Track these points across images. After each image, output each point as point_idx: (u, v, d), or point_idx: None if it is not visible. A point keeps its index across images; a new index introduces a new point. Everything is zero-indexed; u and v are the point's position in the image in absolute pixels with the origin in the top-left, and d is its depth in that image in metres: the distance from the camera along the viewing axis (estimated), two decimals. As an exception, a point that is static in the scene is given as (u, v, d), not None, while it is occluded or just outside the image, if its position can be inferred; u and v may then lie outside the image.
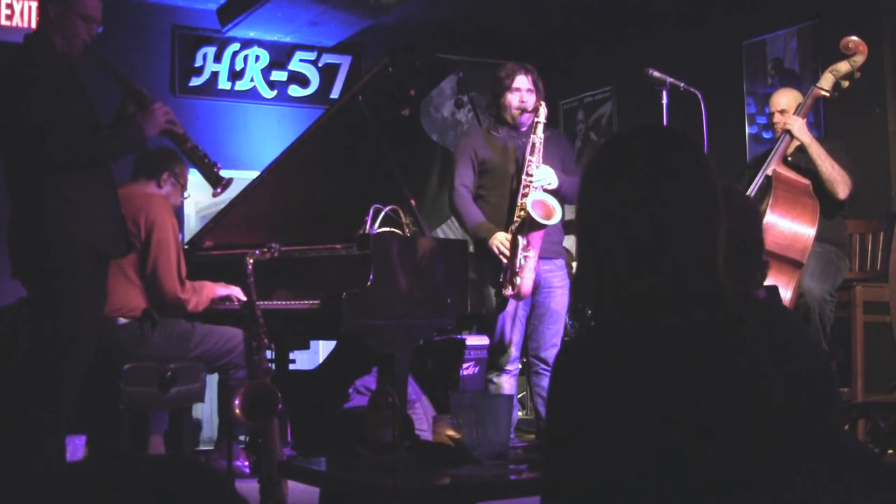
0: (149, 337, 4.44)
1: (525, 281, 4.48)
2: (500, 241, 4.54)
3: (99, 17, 3.76)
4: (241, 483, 4.23)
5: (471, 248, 4.88)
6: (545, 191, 4.55)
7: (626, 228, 1.60)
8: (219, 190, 4.04)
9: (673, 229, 1.58)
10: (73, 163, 3.59)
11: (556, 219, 4.49)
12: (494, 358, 4.74)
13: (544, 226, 4.45)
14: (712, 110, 4.53)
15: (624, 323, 1.59)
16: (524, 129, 4.74)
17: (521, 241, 4.46)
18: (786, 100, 4.99)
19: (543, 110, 4.64)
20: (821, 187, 4.75)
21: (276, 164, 5.08)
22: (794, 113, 4.82)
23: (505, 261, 4.51)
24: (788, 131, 4.75)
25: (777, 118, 4.97)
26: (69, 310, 3.60)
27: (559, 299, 4.71)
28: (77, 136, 3.57)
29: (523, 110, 4.70)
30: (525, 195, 4.52)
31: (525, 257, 4.47)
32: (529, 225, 4.45)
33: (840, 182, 4.71)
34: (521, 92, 4.71)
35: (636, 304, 1.58)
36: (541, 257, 4.55)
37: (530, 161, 4.56)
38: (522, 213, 4.49)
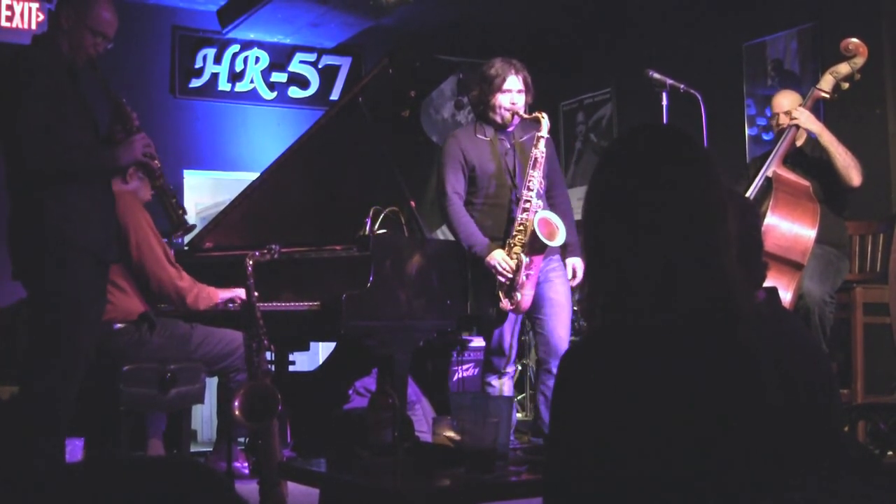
0: (147, 340, 4.43)
1: (525, 298, 4.37)
2: (499, 260, 4.39)
3: (111, 34, 3.74)
4: (240, 484, 4.23)
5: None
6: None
7: (631, 228, 1.60)
8: (180, 233, 4.00)
9: (678, 228, 1.58)
10: (47, 175, 3.57)
11: (559, 239, 4.34)
12: (491, 361, 4.62)
13: (547, 246, 4.33)
14: (712, 112, 4.52)
15: (628, 322, 1.59)
16: (511, 129, 4.57)
17: (525, 259, 4.35)
18: (788, 101, 4.99)
19: (546, 123, 4.45)
20: (823, 187, 4.75)
21: (276, 165, 5.08)
22: None
23: (503, 279, 4.39)
24: (796, 125, 4.73)
25: (783, 119, 4.94)
26: (68, 311, 3.59)
27: (559, 289, 4.53)
28: (53, 150, 3.56)
29: (514, 113, 4.50)
30: (525, 210, 4.38)
31: (527, 275, 4.36)
32: (532, 244, 4.33)
33: (854, 168, 4.70)
34: (513, 93, 4.50)
35: (641, 302, 1.58)
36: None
37: (532, 176, 4.40)
38: (521, 227, 4.37)
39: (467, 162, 4.56)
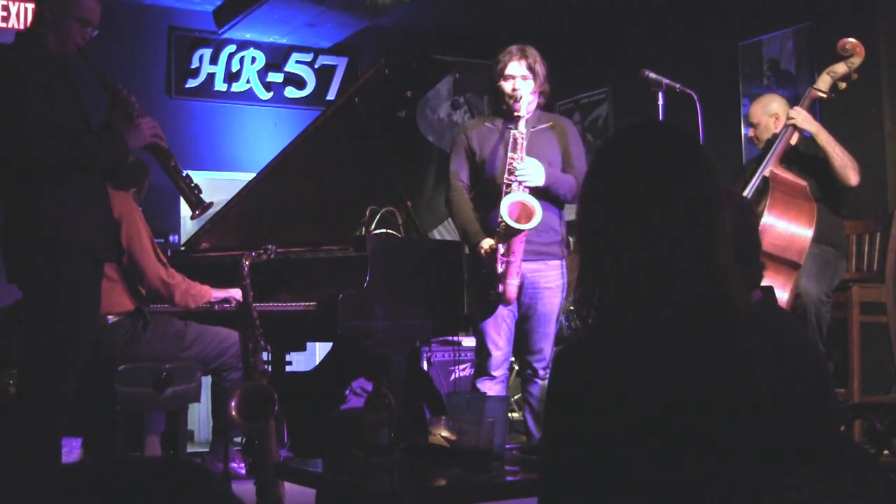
0: (141, 337, 4.43)
1: (508, 288, 4.23)
2: (485, 248, 4.27)
3: (96, 20, 3.73)
4: (237, 485, 4.22)
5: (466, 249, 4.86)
6: (530, 189, 4.23)
7: (628, 225, 1.59)
8: (198, 212, 3.99)
9: (676, 225, 1.58)
10: (59, 167, 3.56)
11: (534, 221, 4.16)
12: (480, 363, 4.46)
13: (521, 230, 4.16)
14: (708, 111, 4.52)
15: (622, 321, 1.59)
16: (526, 117, 4.37)
17: (500, 248, 4.20)
18: (777, 104, 4.99)
19: (524, 104, 4.32)
20: (820, 186, 4.75)
21: (272, 165, 5.08)
22: None
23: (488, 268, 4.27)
24: (793, 125, 4.72)
25: (750, 132, 5.02)
26: (64, 313, 3.59)
27: (546, 300, 4.39)
28: (63, 140, 3.55)
29: (516, 99, 4.36)
30: (507, 194, 4.21)
31: (506, 263, 4.20)
32: (506, 229, 4.18)
33: (851, 167, 4.69)
34: (515, 79, 4.39)
35: (636, 301, 1.58)
36: (529, 259, 4.31)
37: (512, 158, 4.25)
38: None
39: (471, 149, 4.49)
